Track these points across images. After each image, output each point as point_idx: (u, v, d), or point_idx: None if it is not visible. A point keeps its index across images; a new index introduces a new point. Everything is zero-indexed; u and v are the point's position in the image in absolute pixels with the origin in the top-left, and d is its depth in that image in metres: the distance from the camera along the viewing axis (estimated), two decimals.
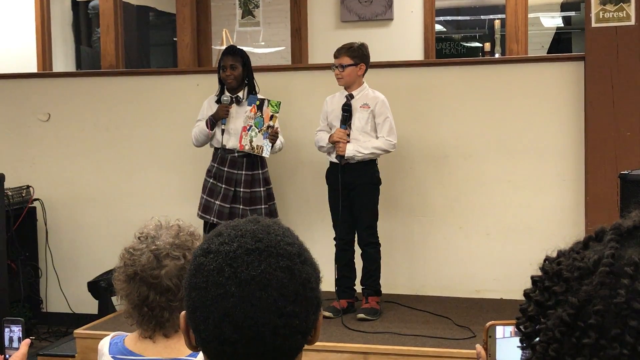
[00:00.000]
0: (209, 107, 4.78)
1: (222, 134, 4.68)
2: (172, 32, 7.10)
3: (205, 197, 4.74)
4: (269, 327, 1.10)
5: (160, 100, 5.43)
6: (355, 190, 4.49)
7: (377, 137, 4.50)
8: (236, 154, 4.69)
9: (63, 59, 6.79)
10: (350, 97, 4.53)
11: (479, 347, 1.59)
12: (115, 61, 5.79)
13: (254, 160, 4.72)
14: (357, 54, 4.47)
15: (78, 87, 5.61)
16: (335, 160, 4.52)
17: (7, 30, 6.37)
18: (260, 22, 6.21)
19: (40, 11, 6.15)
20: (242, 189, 4.67)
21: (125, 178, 5.49)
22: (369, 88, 4.56)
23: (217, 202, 4.69)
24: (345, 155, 4.43)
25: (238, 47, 4.98)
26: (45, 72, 6.04)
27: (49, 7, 6.23)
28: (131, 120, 5.48)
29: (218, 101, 4.75)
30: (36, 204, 5.46)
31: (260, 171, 4.73)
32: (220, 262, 1.13)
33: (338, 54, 4.49)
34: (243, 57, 4.75)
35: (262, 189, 4.72)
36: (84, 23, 7.18)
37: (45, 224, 5.51)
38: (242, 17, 6.20)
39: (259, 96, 4.68)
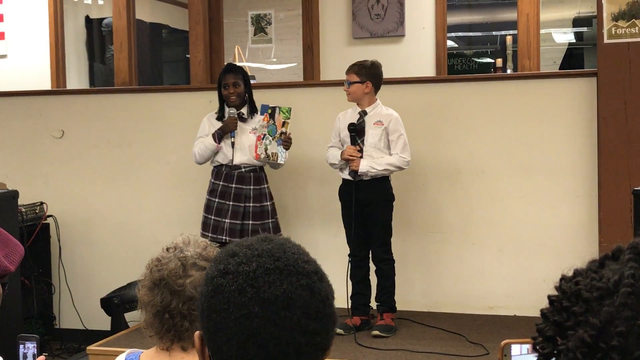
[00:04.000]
0: (210, 125, 4.78)
1: (233, 147, 4.69)
2: (184, 49, 7.14)
3: (213, 217, 4.73)
4: (294, 346, 1.11)
5: (173, 117, 5.45)
6: (369, 206, 4.49)
7: (390, 154, 4.51)
8: (243, 170, 4.71)
9: (76, 76, 6.83)
10: (363, 113, 4.54)
11: None
12: (128, 78, 5.82)
13: (259, 175, 4.74)
14: (364, 72, 4.49)
15: (91, 104, 5.64)
16: (347, 177, 4.53)
17: (21, 47, 6.42)
18: (273, 39, 6.24)
19: (54, 29, 6.20)
20: (251, 204, 4.68)
21: (138, 195, 5.50)
22: (382, 105, 4.57)
23: (226, 220, 4.68)
24: (359, 171, 4.44)
25: (237, 64, 5.02)
26: (59, 89, 6.07)
27: (63, 24, 6.28)
28: (144, 137, 5.50)
29: (219, 119, 4.77)
30: (49, 220, 5.48)
31: (265, 185, 4.76)
32: (241, 283, 1.12)
33: (347, 70, 4.54)
34: (243, 74, 4.79)
35: (268, 202, 4.74)
36: (98, 40, 7.23)
37: (59, 241, 5.53)
38: (255, 34, 6.23)
39: (270, 104, 4.71)
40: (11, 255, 2.24)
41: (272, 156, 4.65)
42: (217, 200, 4.72)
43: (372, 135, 4.51)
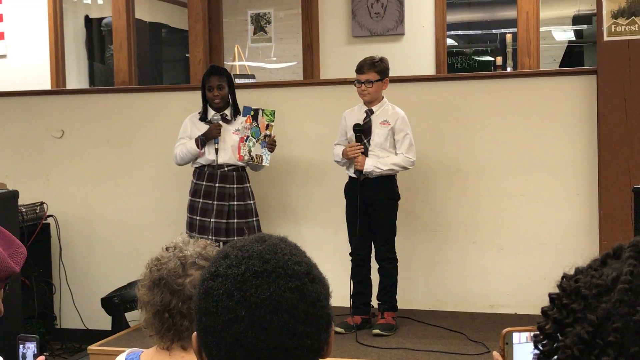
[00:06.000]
0: (193, 125, 4.78)
1: (217, 153, 4.68)
2: (184, 48, 7.14)
3: (198, 217, 4.72)
4: (282, 349, 1.10)
5: (172, 116, 5.44)
6: (373, 205, 4.47)
7: (396, 154, 4.49)
8: (226, 169, 4.71)
9: (76, 75, 6.83)
10: (370, 112, 4.52)
11: (496, 354, 1.58)
12: (128, 78, 5.82)
13: (241, 174, 4.75)
14: (381, 69, 4.44)
15: (91, 103, 5.64)
16: (353, 175, 4.51)
17: (21, 47, 6.42)
18: (272, 38, 6.23)
19: (54, 28, 6.19)
20: (235, 202, 4.69)
21: (138, 194, 5.50)
22: (389, 103, 4.54)
23: (212, 219, 4.68)
24: (364, 170, 4.43)
25: (220, 66, 5.02)
26: (59, 89, 6.07)
27: (63, 24, 6.28)
28: (144, 137, 5.50)
29: (202, 119, 4.76)
30: (50, 220, 5.47)
31: (247, 184, 4.78)
32: (229, 286, 1.12)
33: (363, 69, 4.42)
34: (228, 76, 4.80)
35: (251, 201, 4.75)
36: (97, 40, 7.23)
37: (59, 240, 5.53)
38: (254, 33, 6.23)
39: (253, 106, 4.71)
40: (15, 256, 2.23)
41: (257, 158, 4.65)
42: (201, 200, 4.72)
43: (378, 135, 4.48)
